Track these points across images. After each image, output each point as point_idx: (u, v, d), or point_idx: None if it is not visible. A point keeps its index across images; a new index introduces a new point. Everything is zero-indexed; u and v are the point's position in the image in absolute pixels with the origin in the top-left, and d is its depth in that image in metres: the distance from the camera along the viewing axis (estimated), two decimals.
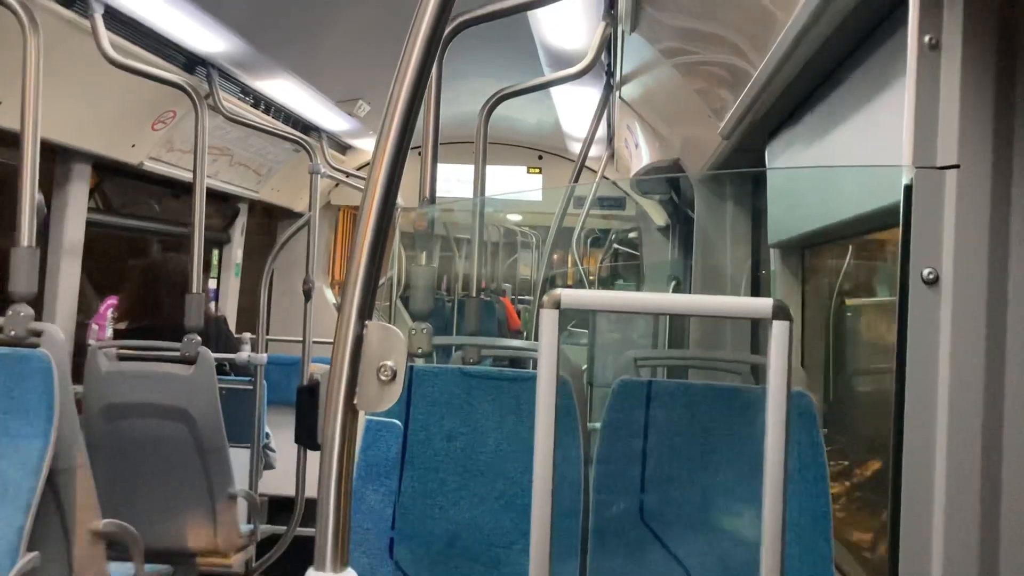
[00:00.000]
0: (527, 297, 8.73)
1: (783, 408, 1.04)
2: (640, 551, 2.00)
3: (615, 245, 7.35)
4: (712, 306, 1.07)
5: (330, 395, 1.11)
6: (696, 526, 1.99)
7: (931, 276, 1.03)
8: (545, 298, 1.07)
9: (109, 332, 3.84)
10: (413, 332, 2.22)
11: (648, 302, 1.08)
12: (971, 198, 1.02)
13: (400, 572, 2.01)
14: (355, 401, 1.11)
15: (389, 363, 1.11)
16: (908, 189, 1.05)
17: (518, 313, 8.21)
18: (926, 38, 1.04)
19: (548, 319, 1.06)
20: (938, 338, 1.01)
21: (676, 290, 4.68)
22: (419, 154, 2.50)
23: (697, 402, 2.02)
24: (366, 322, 1.12)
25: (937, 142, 1.04)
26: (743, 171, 2.24)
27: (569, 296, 1.07)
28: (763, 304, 1.03)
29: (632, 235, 7.28)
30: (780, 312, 1.02)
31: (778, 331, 1.01)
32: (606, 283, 7.13)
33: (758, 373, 2.59)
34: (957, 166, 1.03)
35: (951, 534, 0.99)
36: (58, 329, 2.27)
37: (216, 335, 3.75)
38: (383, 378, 1.11)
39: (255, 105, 4.40)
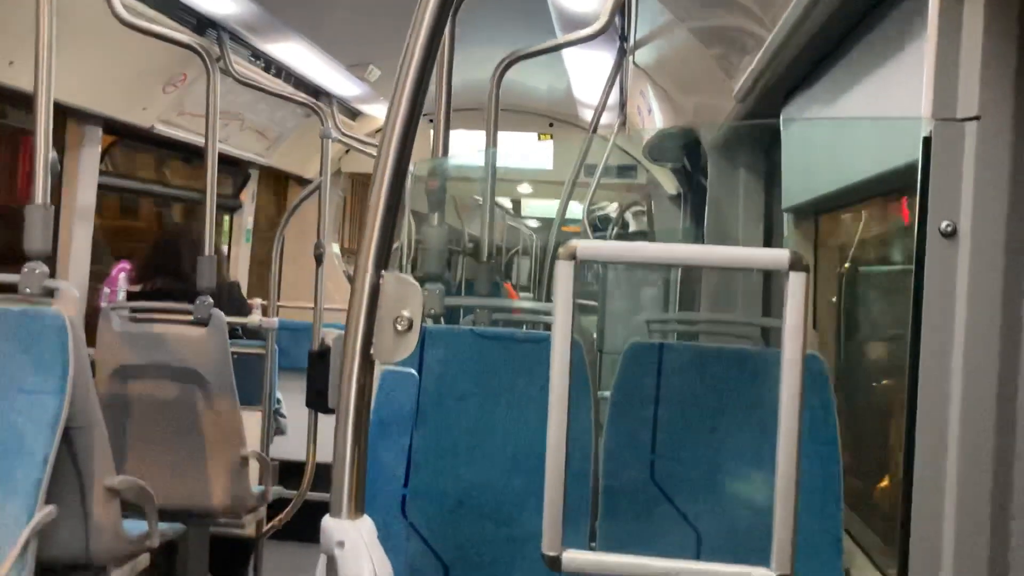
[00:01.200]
0: (526, 295, 8.74)
1: (799, 362, 1.04)
2: (650, 512, 2.01)
3: (623, 218, 7.33)
4: (727, 257, 1.07)
5: (347, 345, 1.12)
6: (707, 487, 2.00)
7: (949, 228, 1.02)
8: (561, 249, 1.07)
9: (121, 295, 3.86)
10: (425, 293, 2.22)
11: (663, 252, 1.08)
12: (991, 150, 1.01)
13: (412, 529, 2.03)
14: (371, 351, 1.12)
15: (405, 313, 1.11)
16: (927, 141, 1.04)
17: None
18: None
19: (564, 271, 1.06)
20: (955, 291, 1.01)
21: None
22: (430, 121, 2.50)
23: (708, 364, 2.02)
24: (382, 272, 1.12)
25: (958, 93, 1.03)
26: (759, 122, 2.23)
27: (585, 247, 1.07)
28: (779, 255, 1.02)
29: (630, 213, 7.27)
30: (797, 263, 1.01)
31: (794, 282, 1.01)
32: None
33: (769, 337, 2.59)
34: (978, 118, 1.02)
35: (964, 478, 1.00)
36: (72, 287, 2.28)
37: (229, 299, 3.77)
38: (399, 328, 1.12)
39: (266, 69, 4.39)
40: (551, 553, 1.05)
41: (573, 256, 1.06)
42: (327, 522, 1.11)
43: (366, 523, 1.12)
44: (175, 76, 3.94)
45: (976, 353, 1.01)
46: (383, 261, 1.13)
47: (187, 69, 3.91)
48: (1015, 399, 1.00)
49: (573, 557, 1.05)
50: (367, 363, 1.12)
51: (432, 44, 1.11)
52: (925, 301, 1.02)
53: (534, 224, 9.15)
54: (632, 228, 7.52)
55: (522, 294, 8.60)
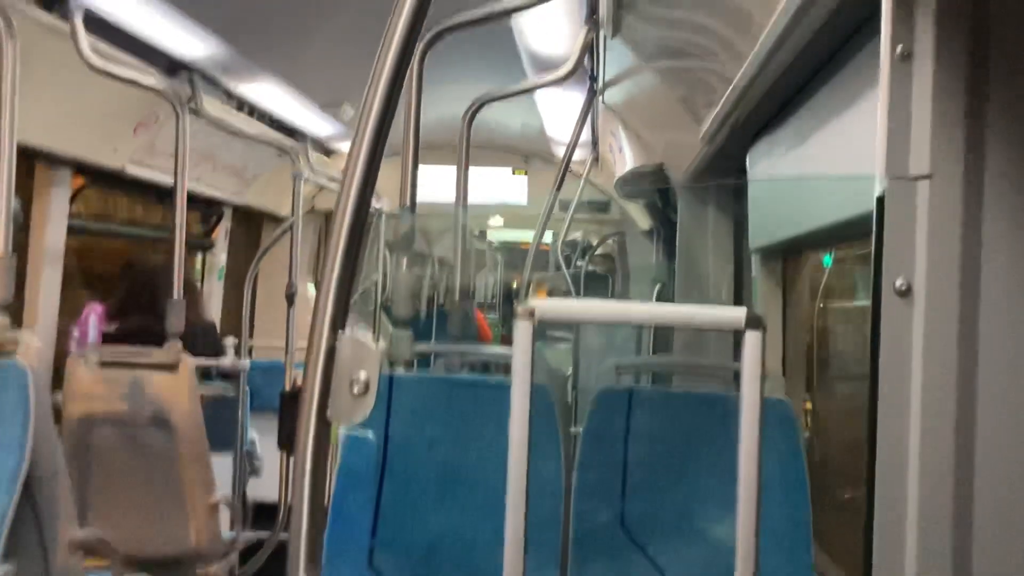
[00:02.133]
0: (492, 316, 8.74)
1: (756, 416, 1.04)
2: (621, 559, 1.99)
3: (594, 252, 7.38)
4: (686, 316, 1.07)
5: (302, 407, 1.10)
6: (677, 533, 1.99)
7: (903, 287, 1.02)
8: (520, 309, 1.07)
9: (92, 338, 3.81)
10: (394, 340, 2.21)
11: (623, 312, 1.08)
12: (943, 208, 1.02)
13: None
14: (328, 413, 1.10)
15: (361, 376, 1.10)
16: (880, 200, 1.05)
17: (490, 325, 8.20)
18: (898, 48, 1.05)
19: (523, 330, 1.06)
20: (911, 349, 1.01)
21: (661, 292, 4.69)
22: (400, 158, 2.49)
23: (678, 409, 2.02)
24: (339, 332, 1.11)
25: (910, 152, 1.04)
26: (722, 182, 2.25)
27: (544, 307, 1.07)
28: (736, 314, 1.03)
29: (600, 250, 7.33)
30: (752, 322, 1.02)
31: (750, 341, 1.01)
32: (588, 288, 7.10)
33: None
34: (929, 176, 1.03)
35: (924, 540, 0.99)
36: (34, 336, 2.25)
37: (204, 341, 3.73)
38: (356, 392, 1.10)
39: (239, 108, 4.38)
40: None
41: (531, 315, 1.06)
42: None
43: None
44: (147, 117, 3.92)
45: (932, 410, 1.01)
46: (340, 321, 1.12)
47: (159, 109, 3.90)
48: (972, 457, 1.00)
49: None
50: (323, 424, 1.11)
51: (393, 87, 1.11)
52: (881, 359, 1.02)
53: (497, 245, 9.21)
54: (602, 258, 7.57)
55: (489, 316, 8.59)
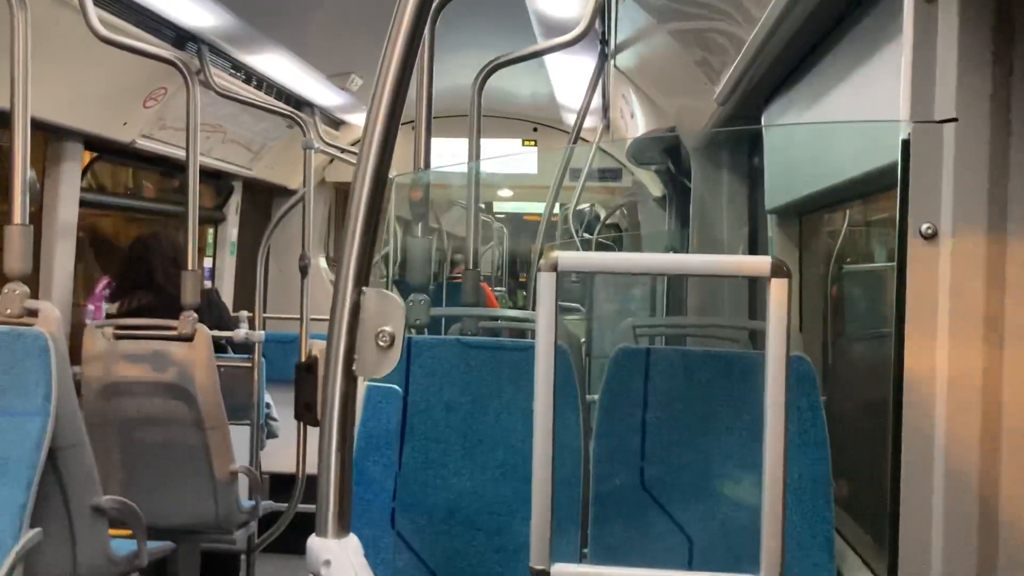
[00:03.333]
0: (499, 289, 8.75)
1: (782, 366, 1.03)
2: (641, 518, 2.00)
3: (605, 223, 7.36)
4: (709, 265, 1.06)
5: (329, 362, 1.11)
6: (697, 492, 1.99)
7: (929, 231, 1.02)
8: (542, 261, 1.07)
9: (103, 314, 3.83)
10: (410, 304, 2.21)
11: (645, 262, 1.08)
12: (969, 152, 1.01)
13: (402, 542, 2.01)
14: (354, 368, 1.11)
15: (387, 329, 1.10)
16: (906, 144, 1.04)
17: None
18: None
19: (546, 282, 1.06)
20: (937, 293, 1.01)
21: None
22: (412, 128, 2.49)
23: (696, 368, 2.02)
24: (363, 289, 1.11)
25: (935, 96, 1.03)
26: (741, 128, 2.23)
27: (567, 258, 1.07)
28: (761, 262, 1.02)
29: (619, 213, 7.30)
30: (779, 270, 1.01)
31: (776, 289, 1.01)
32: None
33: (756, 339, 2.59)
34: (955, 119, 1.02)
35: (951, 476, 1.00)
36: (53, 307, 2.26)
37: (208, 308, 3.74)
38: (381, 344, 1.11)
39: (247, 81, 4.37)
40: (539, 567, 1.04)
41: (555, 267, 1.06)
42: (313, 541, 1.10)
43: (352, 542, 1.11)
44: (155, 90, 3.92)
45: (960, 353, 1.01)
46: (364, 277, 1.12)
47: (167, 83, 3.89)
48: (1000, 396, 1.00)
49: (562, 571, 1.05)
50: (350, 379, 1.11)
51: (410, 50, 1.10)
52: (908, 304, 1.02)
53: (502, 216, 9.21)
54: (623, 226, 7.55)
55: (496, 289, 8.61)
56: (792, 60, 2.14)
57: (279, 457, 4.40)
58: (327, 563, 1.08)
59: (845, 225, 2.57)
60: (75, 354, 3.55)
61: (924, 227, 1.02)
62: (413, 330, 2.22)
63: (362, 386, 1.92)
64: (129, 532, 2.62)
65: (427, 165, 2.25)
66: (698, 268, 1.07)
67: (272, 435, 4.16)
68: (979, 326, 0.99)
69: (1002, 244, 1.00)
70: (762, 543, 1.06)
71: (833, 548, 1.97)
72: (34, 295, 2.37)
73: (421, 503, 2.04)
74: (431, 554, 2.01)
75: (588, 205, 7.57)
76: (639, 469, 1.99)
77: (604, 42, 3.50)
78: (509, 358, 2.10)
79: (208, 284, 4.99)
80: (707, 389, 1.99)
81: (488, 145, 3.51)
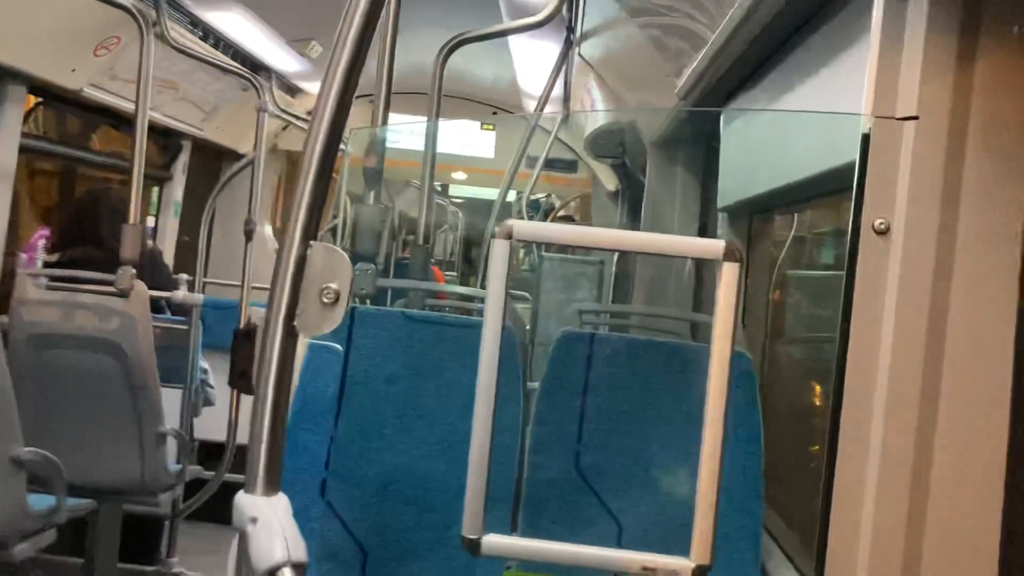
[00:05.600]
0: (451, 274, 8.70)
1: (727, 349, 1.03)
2: (574, 503, 2.00)
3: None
4: (663, 244, 1.06)
5: (270, 316, 1.08)
6: (631, 480, 2.00)
7: (882, 226, 1.03)
8: (497, 228, 1.05)
9: (39, 264, 3.71)
10: (357, 273, 2.18)
11: (600, 236, 1.07)
12: (927, 150, 1.02)
13: (331, 512, 1.99)
14: (295, 323, 1.08)
15: (333, 286, 1.08)
16: (866, 138, 1.05)
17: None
18: None
19: (500, 250, 1.04)
20: (885, 287, 1.02)
21: (621, 257, 4.70)
22: (371, 102, 2.45)
23: (638, 356, 2.02)
24: (311, 243, 1.08)
25: (898, 93, 1.04)
26: (703, 110, 2.24)
27: (521, 227, 1.05)
28: (715, 244, 1.02)
29: (562, 212, 7.30)
30: (731, 254, 1.01)
31: (728, 272, 1.01)
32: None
33: (698, 334, 2.61)
34: (916, 117, 1.03)
35: (884, 472, 1.01)
36: None
37: (151, 267, 3.65)
38: (326, 301, 1.08)
39: (204, 38, 4.27)
40: (471, 536, 1.03)
41: (509, 235, 1.04)
42: (240, 498, 1.07)
43: (281, 500, 1.08)
44: (108, 39, 3.80)
45: (903, 348, 1.02)
46: (312, 231, 1.09)
47: (121, 32, 3.77)
48: (938, 396, 1.01)
49: (493, 541, 1.04)
50: (290, 335, 1.08)
51: (373, 11, 1.08)
52: (856, 296, 1.03)
53: (459, 200, 9.13)
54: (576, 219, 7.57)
55: (447, 274, 8.55)
56: (756, 58, 2.15)
57: (210, 424, 4.32)
58: (253, 520, 1.05)
59: (792, 230, 2.61)
60: (3, 304, 3.44)
61: (877, 222, 1.03)
62: (358, 300, 2.18)
63: (301, 347, 1.88)
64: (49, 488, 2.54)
65: (385, 117, 2.21)
66: (653, 246, 1.06)
67: (208, 402, 4.08)
68: (924, 321, 1.00)
69: (952, 242, 1.01)
70: (694, 528, 1.06)
71: (760, 543, 1.99)
72: None
73: (353, 474, 2.02)
74: (360, 526, 1.99)
75: (544, 195, 7.57)
76: (575, 453, 1.99)
77: (571, 29, 3.49)
78: (453, 334, 2.08)
79: (151, 244, 4.88)
80: (648, 377, 2.00)
81: (445, 126, 3.48)
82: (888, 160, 1.03)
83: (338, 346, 1.78)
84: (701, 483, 1.05)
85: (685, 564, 1.03)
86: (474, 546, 1.03)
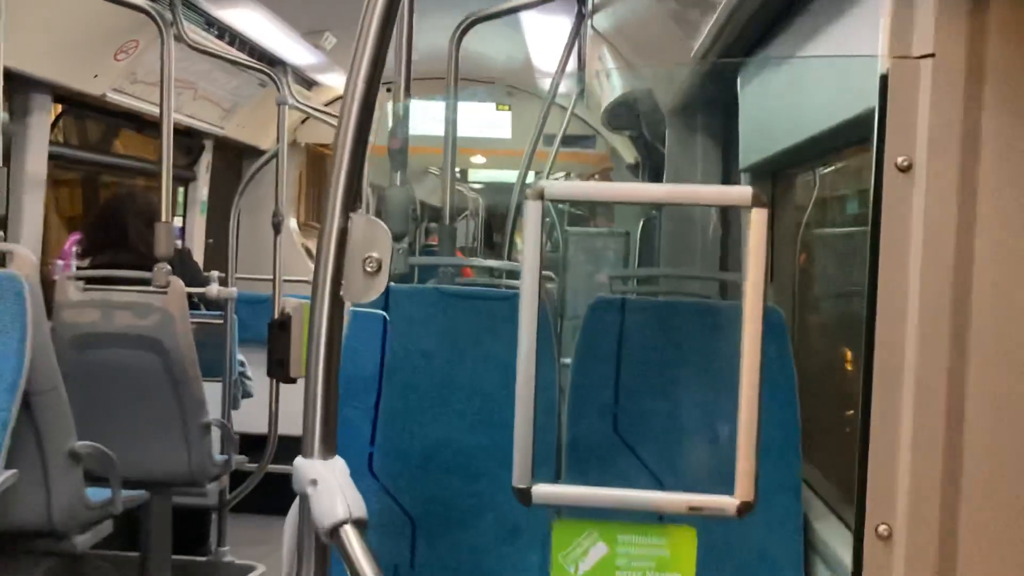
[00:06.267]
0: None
1: (760, 294, 1.07)
2: (613, 463, 2.05)
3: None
4: (690, 194, 1.09)
5: (316, 287, 1.12)
6: (669, 438, 2.04)
7: (905, 163, 1.05)
8: (529, 189, 1.09)
9: (74, 268, 3.80)
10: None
11: (628, 192, 1.10)
12: (945, 87, 1.04)
13: (380, 486, 2.04)
14: (341, 292, 1.13)
15: (374, 255, 1.12)
16: (884, 79, 1.07)
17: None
18: None
19: (532, 210, 1.08)
20: (911, 224, 1.04)
21: (645, 228, 4.72)
22: (387, 90, 2.48)
23: (670, 318, 2.06)
24: (350, 214, 1.13)
25: (913, 31, 1.06)
26: (723, 60, 2.25)
27: (552, 187, 1.09)
28: (742, 192, 1.05)
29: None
30: (758, 200, 1.04)
31: (756, 218, 1.04)
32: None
33: (727, 294, 2.64)
34: (932, 55, 1.05)
35: (919, 410, 1.04)
36: (27, 250, 2.24)
37: (181, 266, 3.73)
38: (368, 269, 1.12)
39: (219, 37, 4.32)
40: (521, 486, 1.07)
41: (540, 195, 1.08)
42: (299, 462, 1.12)
43: (338, 463, 1.13)
44: (127, 43, 3.86)
45: (930, 283, 1.04)
46: (350, 203, 1.14)
47: (139, 35, 3.84)
48: (968, 329, 1.04)
49: (542, 490, 1.08)
50: (336, 304, 1.13)
51: (391, 5, 1.11)
52: (882, 234, 1.05)
53: (478, 186, 9.16)
54: None
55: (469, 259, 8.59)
56: (769, 16, 2.16)
57: (251, 417, 4.40)
58: (313, 482, 1.10)
59: (816, 188, 2.62)
60: (45, 307, 3.52)
61: (900, 159, 1.05)
62: (391, 280, 2.23)
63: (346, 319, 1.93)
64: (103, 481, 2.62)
65: (407, 90, 2.24)
66: (680, 197, 1.09)
67: (247, 394, 4.16)
68: (950, 256, 1.03)
69: (974, 177, 1.04)
70: (737, 468, 1.10)
71: (800, 494, 2.03)
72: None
73: (398, 448, 2.07)
74: (408, 498, 2.04)
75: (564, 174, 7.58)
76: (612, 415, 2.03)
77: (582, 2, 3.50)
78: (487, 308, 2.13)
79: (180, 244, 4.96)
80: (680, 338, 2.03)
81: (461, 109, 3.50)
82: (907, 99, 1.05)
83: (383, 313, 1.83)
84: (741, 423, 1.08)
85: (730, 501, 1.07)
86: (525, 495, 1.07)
